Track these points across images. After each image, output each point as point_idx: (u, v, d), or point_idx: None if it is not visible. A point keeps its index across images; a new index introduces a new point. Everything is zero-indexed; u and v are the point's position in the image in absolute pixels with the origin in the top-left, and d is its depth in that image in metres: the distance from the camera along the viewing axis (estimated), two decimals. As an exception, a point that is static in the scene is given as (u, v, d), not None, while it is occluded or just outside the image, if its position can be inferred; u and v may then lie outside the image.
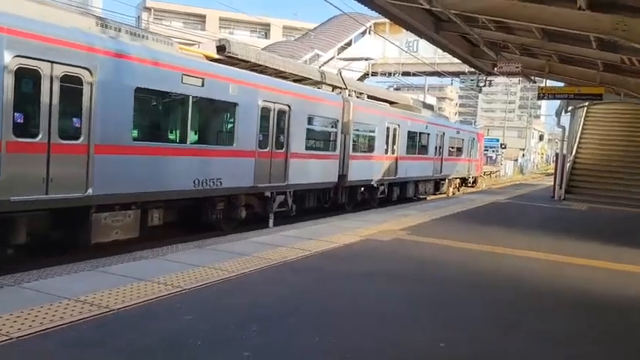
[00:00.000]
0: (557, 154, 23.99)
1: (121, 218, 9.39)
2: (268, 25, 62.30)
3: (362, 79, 45.18)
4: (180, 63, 10.51)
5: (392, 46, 37.67)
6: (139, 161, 9.61)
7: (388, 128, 18.91)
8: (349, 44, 44.19)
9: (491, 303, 6.31)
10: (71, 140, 8.44)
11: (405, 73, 43.81)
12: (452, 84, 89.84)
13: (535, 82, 26.19)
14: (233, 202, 12.28)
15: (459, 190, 27.46)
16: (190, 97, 10.69)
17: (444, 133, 24.27)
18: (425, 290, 6.67)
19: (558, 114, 23.08)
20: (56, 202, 8.21)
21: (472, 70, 28.24)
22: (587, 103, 22.86)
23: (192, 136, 11.06)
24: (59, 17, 8.70)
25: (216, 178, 11.38)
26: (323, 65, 25.14)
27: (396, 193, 20.20)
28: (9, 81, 7.58)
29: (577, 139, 24.75)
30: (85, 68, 8.55)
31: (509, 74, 17.98)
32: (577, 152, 24.45)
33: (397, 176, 19.76)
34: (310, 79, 17.29)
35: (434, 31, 15.19)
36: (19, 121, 7.75)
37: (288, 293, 6.10)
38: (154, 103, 10.71)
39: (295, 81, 16.32)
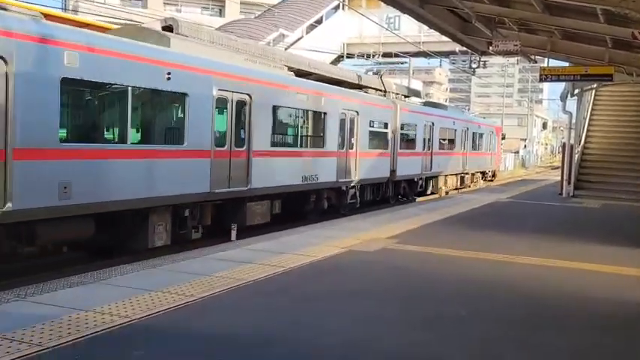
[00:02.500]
0: (563, 144, 24.44)
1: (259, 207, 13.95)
2: (223, 0, 62.01)
3: (336, 61, 45.32)
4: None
5: (370, 23, 37.86)
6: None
7: (425, 126, 23.67)
8: (320, 22, 44.30)
9: (499, 325, 6.38)
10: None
11: (387, 55, 44.07)
12: (440, 66, 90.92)
13: (536, 62, 26.66)
14: (320, 195, 16.58)
15: (476, 184, 31.53)
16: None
17: (467, 129, 29.08)
18: (427, 314, 6.71)
19: (563, 98, 23.52)
20: None
21: (464, 49, 28.61)
22: (595, 85, 23.34)
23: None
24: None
25: (314, 174, 15.87)
26: (290, 47, 25.33)
27: (430, 186, 24.99)
28: None
29: (585, 127, 25.24)
30: None
31: (506, 53, 18.31)
32: (586, 141, 24.93)
33: (432, 171, 24.54)
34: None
35: (418, 5, 15.36)
36: None
37: (256, 322, 6.07)
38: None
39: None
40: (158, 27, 14.36)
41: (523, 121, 78.31)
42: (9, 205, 8.35)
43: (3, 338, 5.15)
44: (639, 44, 15.84)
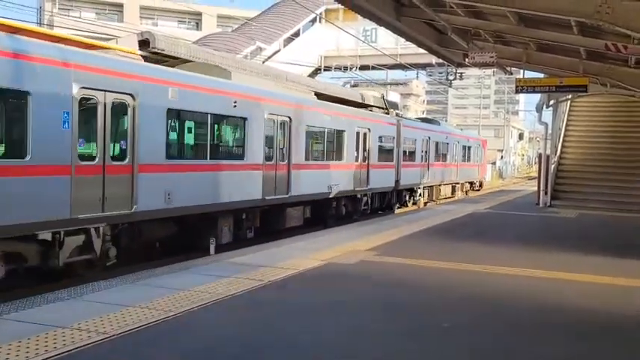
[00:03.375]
0: (539, 155, 24.75)
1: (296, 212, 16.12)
2: (199, 14, 62.04)
3: (313, 74, 45.50)
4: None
5: (347, 36, 38.14)
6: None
7: (423, 140, 26.44)
8: (297, 35, 44.49)
9: (479, 334, 6.41)
10: None
11: (364, 67, 44.43)
12: (417, 78, 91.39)
13: (512, 74, 27.03)
14: (339, 201, 18.94)
15: (466, 194, 34.05)
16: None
17: (458, 142, 32.07)
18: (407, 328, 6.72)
19: (539, 109, 23.87)
20: None
21: (440, 61, 28.92)
22: (570, 96, 23.71)
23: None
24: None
25: (337, 184, 18.26)
26: (267, 60, 25.73)
27: (427, 194, 27.72)
28: None
29: (561, 137, 25.60)
30: None
31: (482, 65, 18.54)
32: (562, 152, 25.28)
33: (429, 181, 27.41)
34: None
35: (395, 18, 15.48)
36: None
37: (233, 337, 6.04)
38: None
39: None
40: (135, 41, 14.33)
41: (500, 132, 79.15)
42: (135, 206, 10.61)
43: (-24, 357, 5.05)
44: (612, 55, 16.15)
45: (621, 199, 21.76)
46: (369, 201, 21.34)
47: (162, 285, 7.97)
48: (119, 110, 10.65)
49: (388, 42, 40.17)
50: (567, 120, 26.73)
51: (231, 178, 13.50)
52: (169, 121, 11.86)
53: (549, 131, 23.37)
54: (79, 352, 5.29)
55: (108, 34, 27.50)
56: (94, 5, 62.34)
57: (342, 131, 18.89)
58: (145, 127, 11.01)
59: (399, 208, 24.27)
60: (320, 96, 18.96)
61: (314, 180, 17.07)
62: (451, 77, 37.53)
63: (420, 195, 26.73)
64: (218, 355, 5.41)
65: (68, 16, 49.21)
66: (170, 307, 6.79)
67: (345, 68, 44.48)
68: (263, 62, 33.58)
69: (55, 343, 5.48)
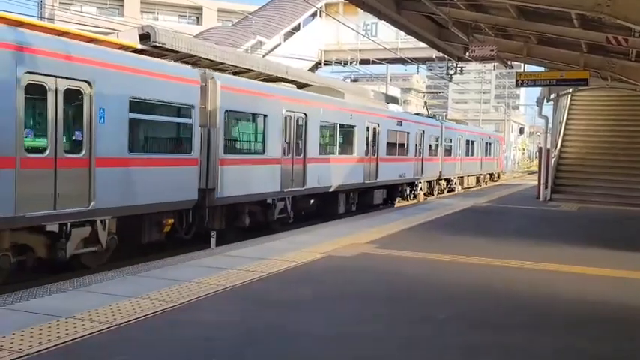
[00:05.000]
0: (540, 149, 24.77)
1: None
2: (200, 8, 61.85)
3: (314, 68, 45.45)
4: None
5: (347, 30, 38.07)
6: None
7: (458, 139, 31.68)
8: (297, 29, 44.39)
9: (478, 327, 6.46)
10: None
11: (364, 61, 44.30)
12: (418, 72, 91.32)
13: (512, 68, 27.03)
14: (404, 186, 24.24)
15: (486, 184, 38.44)
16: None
17: (482, 139, 37.37)
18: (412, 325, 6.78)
19: (540, 103, 23.85)
20: None
21: (441, 55, 28.90)
22: (571, 90, 23.72)
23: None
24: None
25: (405, 172, 23.81)
26: (267, 54, 25.70)
27: (456, 185, 32.32)
28: None
29: (561, 131, 25.62)
30: None
31: (482, 59, 18.52)
32: (562, 146, 25.30)
33: (458, 172, 32.05)
34: (252, 70, 17.48)
35: (395, 11, 15.50)
36: None
37: (234, 326, 6.09)
38: None
39: (235, 73, 16.46)
40: (136, 35, 14.36)
41: (500, 127, 79.02)
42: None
43: (-20, 346, 5.11)
44: (613, 49, 16.17)
45: (622, 193, 21.81)
46: (422, 186, 26.56)
47: (164, 277, 8.02)
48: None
49: (388, 36, 40.02)
50: (568, 114, 26.75)
51: (345, 167, 18.70)
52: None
53: (550, 125, 23.38)
54: (83, 341, 5.34)
55: (109, 29, 27.46)
56: (95, 0, 62.24)
57: (408, 133, 24.33)
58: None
59: (399, 202, 24.35)
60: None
61: (390, 170, 22.34)
62: (451, 71, 37.48)
63: (438, 185, 30.02)
64: (218, 343, 5.46)
65: (69, 10, 49.15)
66: (172, 298, 6.85)
67: (346, 62, 44.37)
68: (263, 56, 33.56)
69: (58, 332, 5.53)
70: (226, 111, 12.97)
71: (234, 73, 16.48)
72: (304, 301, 7.13)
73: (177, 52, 15.04)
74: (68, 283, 7.62)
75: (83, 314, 6.10)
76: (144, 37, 14.30)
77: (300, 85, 18.67)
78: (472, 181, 35.45)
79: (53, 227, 9.30)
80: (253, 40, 39.06)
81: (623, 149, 23.85)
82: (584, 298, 7.61)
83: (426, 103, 37.01)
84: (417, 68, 47.39)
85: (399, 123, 23.26)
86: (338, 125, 18.21)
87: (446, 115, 43.99)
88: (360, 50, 44.62)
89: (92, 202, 9.82)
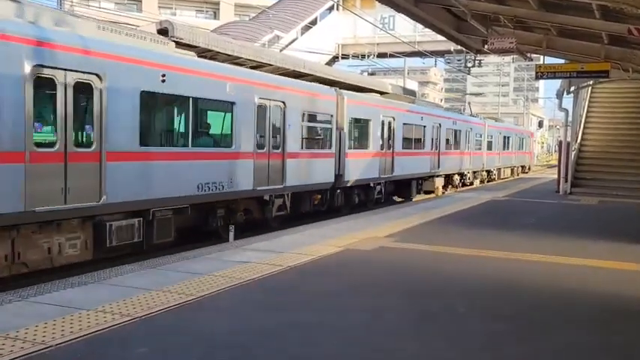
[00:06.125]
0: (560, 142, 24.53)
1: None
2: (217, 3, 62.03)
3: (331, 62, 45.37)
4: None
5: (364, 24, 37.96)
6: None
7: (496, 135, 35.50)
8: (314, 22, 44.35)
9: (499, 320, 6.43)
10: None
11: (381, 55, 44.18)
12: (435, 65, 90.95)
13: (532, 60, 26.76)
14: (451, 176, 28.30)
15: (518, 175, 42.06)
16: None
17: (515, 135, 41.38)
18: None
19: (559, 95, 23.60)
20: None
21: (459, 48, 28.72)
22: (591, 82, 23.45)
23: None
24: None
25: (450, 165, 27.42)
26: (284, 48, 25.78)
27: (498, 174, 36.94)
28: None
29: (582, 124, 25.34)
30: None
31: (501, 52, 18.36)
32: (582, 139, 25.04)
33: (497, 164, 36.23)
34: (269, 64, 17.48)
35: (412, 4, 15.41)
36: None
37: (255, 319, 6.11)
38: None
39: (253, 67, 16.47)
40: (154, 30, 14.40)
41: (519, 120, 78.40)
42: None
43: (6, 337, 5.18)
44: (635, 40, 15.94)
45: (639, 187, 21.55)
46: (467, 176, 30.72)
47: (184, 270, 8.07)
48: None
49: (406, 29, 39.84)
50: (588, 107, 26.45)
51: (416, 159, 23.01)
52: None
53: (570, 118, 23.13)
54: (104, 333, 5.40)
55: (127, 24, 27.60)
56: (113, -5, 62.57)
57: (460, 131, 28.43)
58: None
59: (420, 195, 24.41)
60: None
61: (449, 162, 26.73)
62: (470, 64, 37.21)
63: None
64: (242, 337, 5.47)
65: (88, 6, 49.50)
66: (192, 291, 6.89)
67: (363, 56, 44.27)
68: (280, 50, 33.56)
69: (80, 324, 5.59)
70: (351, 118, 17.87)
71: (253, 68, 16.47)
72: (325, 293, 7.12)
73: (195, 46, 15.06)
74: (89, 277, 7.69)
75: (104, 307, 6.16)
76: (162, 32, 14.33)
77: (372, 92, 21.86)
78: (507, 172, 39.40)
79: None
80: (270, 34, 39.10)
81: (645, 142, 23.54)
82: (617, 293, 7.53)
83: (469, 103, 42.36)
84: (435, 61, 47.17)
85: (454, 122, 28.11)
86: (414, 126, 22.69)
87: (464, 109, 43.88)
88: (377, 44, 44.49)
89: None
